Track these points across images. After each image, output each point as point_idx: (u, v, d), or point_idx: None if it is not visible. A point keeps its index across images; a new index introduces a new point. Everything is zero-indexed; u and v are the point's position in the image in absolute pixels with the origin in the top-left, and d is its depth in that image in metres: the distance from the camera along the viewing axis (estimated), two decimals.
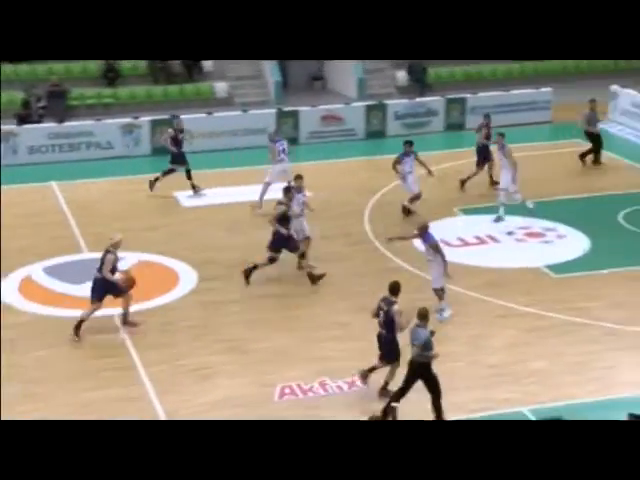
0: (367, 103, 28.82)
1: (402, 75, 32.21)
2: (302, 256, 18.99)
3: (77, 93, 29.59)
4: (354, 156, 25.18)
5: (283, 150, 22.54)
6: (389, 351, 14.83)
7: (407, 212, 21.84)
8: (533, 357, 16.08)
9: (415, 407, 14.08)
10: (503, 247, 20.66)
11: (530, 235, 21.18)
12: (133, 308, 17.23)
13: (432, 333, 13.92)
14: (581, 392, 15.09)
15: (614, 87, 29.45)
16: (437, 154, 25.86)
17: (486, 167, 23.57)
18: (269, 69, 31.34)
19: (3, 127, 25.90)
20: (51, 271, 19.35)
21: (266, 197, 21.98)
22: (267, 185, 22.34)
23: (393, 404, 14.09)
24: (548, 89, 29.70)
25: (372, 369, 15.07)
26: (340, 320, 17.47)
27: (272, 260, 18.68)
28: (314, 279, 18.69)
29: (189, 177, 23.49)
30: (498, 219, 21.63)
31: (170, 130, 23.65)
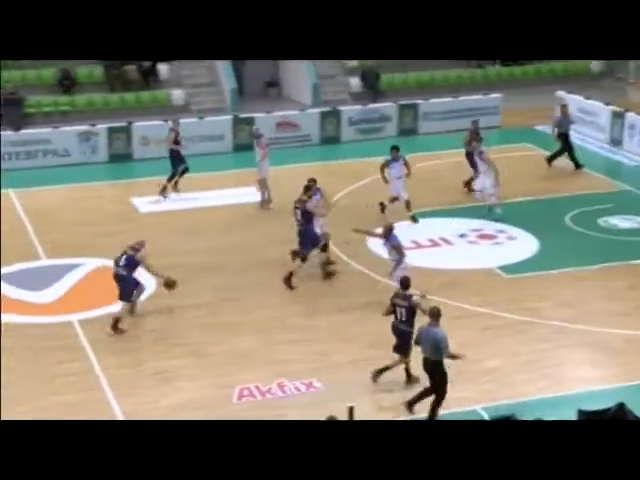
0: (322, 109, 29.14)
1: (355, 82, 32.58)
2: (324, 249, 19.52)
3: (33, 101, 29.57)
4: (309, 161, 25.48)
5: (267, 144, 23.43)
6: (407, 344, 15.22)
7: (383, 208, 22.34)
8: (488, 356, 16.38)
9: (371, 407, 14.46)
10: (456, 249, 21.06)
11: (482, 237, 21.62)
12: (92, 314, 17.42)
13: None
14: (533, 389, 15.47)
15: (560, 93, 30.10)
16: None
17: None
18: (225, 76, 31.58)
19: None
20: (8, 278, 19.38)
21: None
22: (264, 181, 23.06)
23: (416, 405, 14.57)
24: (497, 95, 30.32)
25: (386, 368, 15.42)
26: (296, 323, 17.76)
27: (304, 259, 19.09)
28: (328, 274, 19.28)
29: (170, 180, 23.91)
30: (495, 217, 22.21)
31: (172, 133, 24.02)
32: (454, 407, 14.75)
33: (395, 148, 22.19)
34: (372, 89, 32.30)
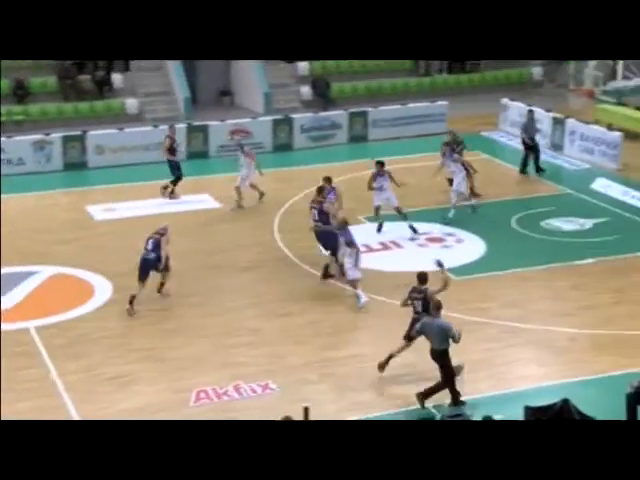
0: (274, 117, 29.46)
1: (306, 90, 32.97)
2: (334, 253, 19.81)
3: None
4: (262, 168, 25.82)
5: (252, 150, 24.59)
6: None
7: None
8: None
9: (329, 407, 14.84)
10: (406, 252, 21.47)
11: (431, 240, 22.08)
12: (49, 320, 17.61)
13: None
14: (484, 387, 15.87)
15: (504, 100, 30.88)
16: (341, 165, 26.75)
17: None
18: (178, 85, 31.83)
19: None
20: None
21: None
22: (246, 179, 23.92)
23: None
24: (444, 102, 30.87)
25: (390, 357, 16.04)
26: (251, 326, 18.03)
27: (334, 254, 19.48)
28: (326, 275, 19.69)
29: (175, 183, 24.54)
30: (445, 220, 22.65)
31: (167, 139, 24.39)
32: (404, 406, 15.12)
33: (380, 163, 22.31)
34: (323, 97, 32.71)
